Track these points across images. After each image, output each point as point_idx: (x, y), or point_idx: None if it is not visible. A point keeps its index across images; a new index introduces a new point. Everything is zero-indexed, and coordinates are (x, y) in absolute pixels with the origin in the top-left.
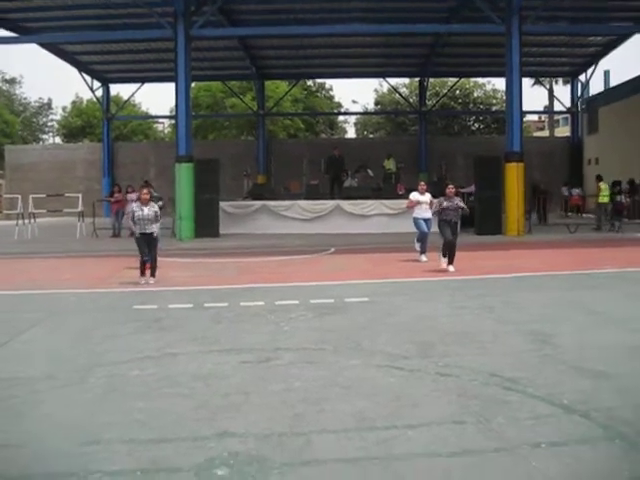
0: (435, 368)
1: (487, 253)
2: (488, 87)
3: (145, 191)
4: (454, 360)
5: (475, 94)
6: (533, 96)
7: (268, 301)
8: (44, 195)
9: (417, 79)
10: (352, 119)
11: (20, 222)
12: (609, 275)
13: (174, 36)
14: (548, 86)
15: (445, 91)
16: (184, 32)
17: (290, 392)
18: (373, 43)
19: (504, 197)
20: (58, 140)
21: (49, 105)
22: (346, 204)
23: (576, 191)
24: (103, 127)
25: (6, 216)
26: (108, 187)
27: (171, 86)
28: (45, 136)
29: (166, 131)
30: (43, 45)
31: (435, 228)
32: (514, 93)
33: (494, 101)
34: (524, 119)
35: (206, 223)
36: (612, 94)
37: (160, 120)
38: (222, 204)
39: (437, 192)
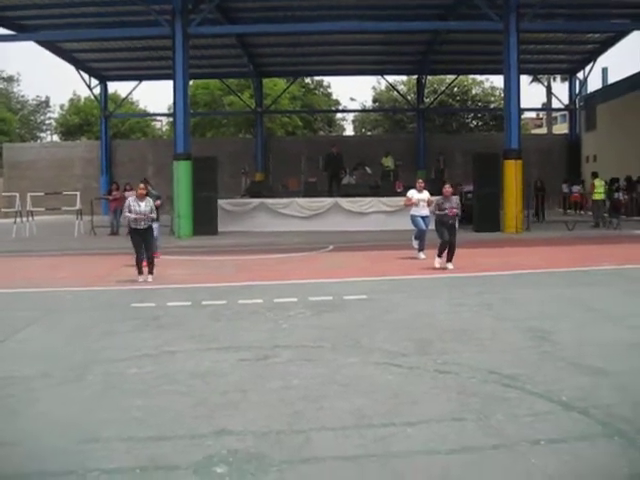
0: (434, 365)
1: (485, 250)
2: (486, 84)
3: (142, 186)
4: (453, 357)
5: (473, 91)
6: (531, 93)
7: (266, 299)
8: (42, 193)
9: (415, 76)
10: (350, 116)
11: (18, 220)
12: (607, 272)
13: (172, 34)
14: (546, 83)
15: (443, 88)
16: (182, 30)
17: (288, 390)
18: (371, 40)
19: (502, 194)
20: (56, 138)
21: (47, 103)
22: (344, 202)
23: (576, 188)
24: (101, 125)
25: (4, 214)
26: (106, 185)
27: (169, 84)
28: (43, 134)
29: (164, 129)
30: (41, 43)
31: (432, 226)
32: (512, 90)
33: (492, 98)
34: (522, 116)
35: (204, 221)
36: (610, 91)
37: (158, 118)
38: (220, 202)
39: (435, 189)
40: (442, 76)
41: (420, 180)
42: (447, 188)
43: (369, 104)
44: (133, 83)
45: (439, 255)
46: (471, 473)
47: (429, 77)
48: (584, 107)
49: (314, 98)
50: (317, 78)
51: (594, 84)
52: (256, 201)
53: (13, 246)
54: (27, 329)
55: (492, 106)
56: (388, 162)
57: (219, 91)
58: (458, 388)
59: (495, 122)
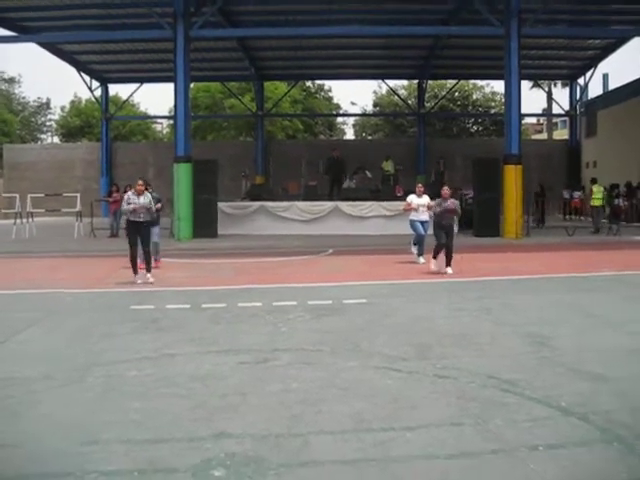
0: (433, 370)
1: (485, 255)
2: (487, 89)
3: (140, 182)
4: (452, 362)
5: (474, 96)
6: (532, 99)
7: (266, 302)
8: (42, 194)
9: (416, 81)
10: (351, 120)
11: (18, 221)
12: (607, 278)
13: (173, 36)
14: (547, 89)
15: (444, 93)
16: (183, 32)
17: (288, 393)
18: (372, 45)
19: (502, 199)
20: (56, 140)
21: (48, 104)
22: (344, 205)
23: (577, 194)
24: (102, 127)
25: (4, 215)
26: (106, 187)
27: (170, 86)
28: (43, 135)
29: (165, 131)
30: (42, 44)
31: (430, 230)
32: (513, 96)
33: (493, 103)
34: (522, 122)
35: (204, 224)
36: (611, 97)
37: (159, 120)
38: (220, 205)
39: (435, 193)
40: (443, 81)
41: (419, 185)
42: (445, 190)
43: (370, 108)
44: (134, 85)
45: (434, 257)
46: (470, 478)
47: (430, 82)
48: (585, 113)
49: (315, 102)
50: (318, 82)
51: (595, 90)
52: (256, 204)
53: (13, 247)
54: (27, 330)
55: (493, 111)
56: (388, 166)
57: (220, 94)
58: (457, 393)
59: (495, 127)
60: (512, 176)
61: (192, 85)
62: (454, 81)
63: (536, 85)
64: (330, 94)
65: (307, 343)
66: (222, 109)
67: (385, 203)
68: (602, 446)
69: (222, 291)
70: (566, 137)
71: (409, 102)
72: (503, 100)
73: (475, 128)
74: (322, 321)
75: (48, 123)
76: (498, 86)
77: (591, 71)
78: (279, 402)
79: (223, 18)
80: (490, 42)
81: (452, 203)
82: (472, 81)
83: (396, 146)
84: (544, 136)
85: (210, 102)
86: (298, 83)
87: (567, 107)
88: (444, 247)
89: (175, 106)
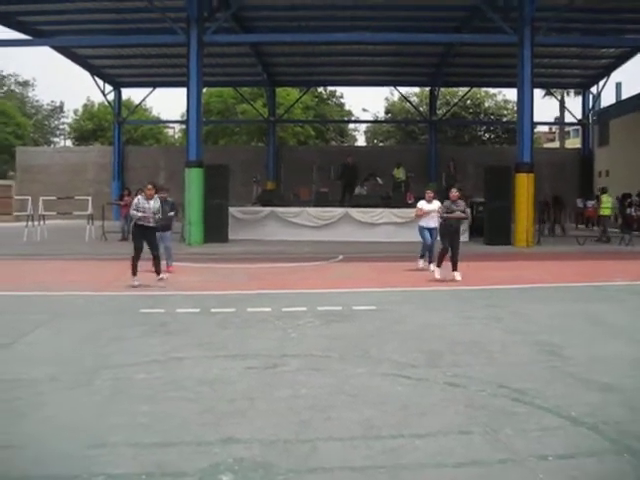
0: (443, 378)
1: (495, 264)
2: (499, 97)
3: (149, 186)
4: (462, 370)
5: (486, 104)
6: (544, 107)
7: (275, 307)
8: (54, 197)
9: (428, 88)
10: (362, 127)
11: (30, 224)
12: (619, 288)
13: (187, 42)
14: (559, 97)
15: (456, 100)
16: (197, 38)
17: (296, 399)
18: (384, 52)
19: (514, 207)
20: (69, 143)
21: (61, 108)
22: (355, 212)
23: (591, 203)
24: (114, 131)
25: (16, 217)
26: (118, 190)
27: (182, 91)
28: (56, 139)
29: (177, 136)
30: (56, 48)
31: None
32: (525, 104)
33: (505, 111)
34: (535, 130)
35: (215, 228)
36: (623, 106)
37: (171, 125)
38: (231, 209)
39: (446, 197)
40: (455, 88)
41: (429, 191)
42: (454, 192)
43: (381, 115)
44: (147, 90)
45: (438, 265)
46: None
47: (442, 89)
48: (597, 122)
49: (327, 108)
50: (330, 88)
51: (608, 99)
52: (267, 210)
53: (24, 249)
54: (36, 332)
55: (505, 119)
56: (399, 173)
57: (232, 99)
58: (467, 401)
59: (507, 135)
60: (524, 184)
61: (205, 90)
62: (466, 88)
63: (549, 93)
64: (342, 100)
65: (316, 349)
66: (234, 114)
67: (396, 210)
68: (612, 457)
69: (232, 296)
70: (578, 146)
71: (421, 109)
72: (515, 108)
73: (487, 136)
74: (332, 327)
75: (61, 126)
76: (510, 94)
77: (604, 80)
78: (288, 408)
79: (236, 24)
80: (503, 50)
81: (462, 205)
82: (484, 89)
83: (407, 153)
84: (556, 145)
85: (222, 107)
86: (310, 89)
87: (580, 116)
88: (447, 252)
89: (187, 111)
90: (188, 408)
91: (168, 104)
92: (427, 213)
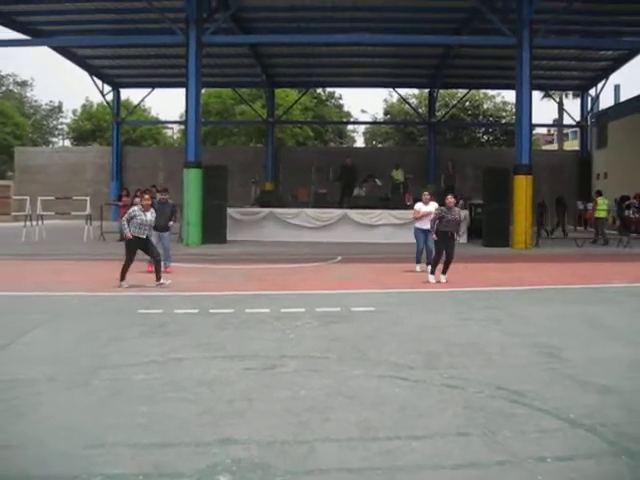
0: (440, 379)
1: (494, 265)
2: (498, 99)
3: (147, 197)
4: (460, 372)
5: (485, 106)
6: (543, 109)
7: (274, 308)
8: (53, 197)
9: (427, 90)
10: (361, 128)
11: (28, 224)
12: (617, 290)
13: (186, 42)
14: (558, 99)
15: (455, 102)
16: (196, 38)
17: (294, 400)
18: (383, 53)
19: (512, 209)
20: (68, 143)
21: (60, 108)
22: (354, 213)
23: (590, 205)
24: (113, 131)
25: (14, 218)
26: (116, 191)
27: (181, 92)
28: (55, 139)
29: (175, 136)
30: (55, 48)
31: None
32: (524, 106)
33: (504, 113)
34: (533, 132)
35: (213, 229)
36: (622, 109)
37: (169, 125)
38: (230, 210)
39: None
40: (454, 90)
41: (426, 192)
42: (450, 199)
43: (380, 116)
44: (146, 90)
45: (432, 272)
46: None
47: (441, 91)
48: (595, 124)
49: (325, 109)
50: (329, 89)
51: (606, 101)
52: (265, 211)
53: (22, 249)
54: (34, 332)
55: (503, 121)
56: (398, 175)
57: (231, 100)
58: (465, 403)
59: (506, 137)
60: (522, 186)
61: (203, 91)
62: (465, 90)
63: (547, 95)
64: (341, 102)
65: (315, 350)
66: (233, 115)
67: (394, 211)
68: (610, 459)
69: (230, 297)
70: (577, 148)
71: (420, 111)
72: (514, 110)
73: (485, 138)
74: (330, 328)
75: (60, 126)
76: (509, 96)
77: (602, 82)
78: (286, 409)
79: (235, 25)
80: (501, 52)
81: (457, 213)
82: (483, 91)
83: (406, 154)
84: (555, 147)
85: (221, 108)
86: (309, 90)
87: (578, 118)
88: (440, 257)
89: (186, 111)
90: (187, 409)
91: (167, 105)
92: (425, 215)
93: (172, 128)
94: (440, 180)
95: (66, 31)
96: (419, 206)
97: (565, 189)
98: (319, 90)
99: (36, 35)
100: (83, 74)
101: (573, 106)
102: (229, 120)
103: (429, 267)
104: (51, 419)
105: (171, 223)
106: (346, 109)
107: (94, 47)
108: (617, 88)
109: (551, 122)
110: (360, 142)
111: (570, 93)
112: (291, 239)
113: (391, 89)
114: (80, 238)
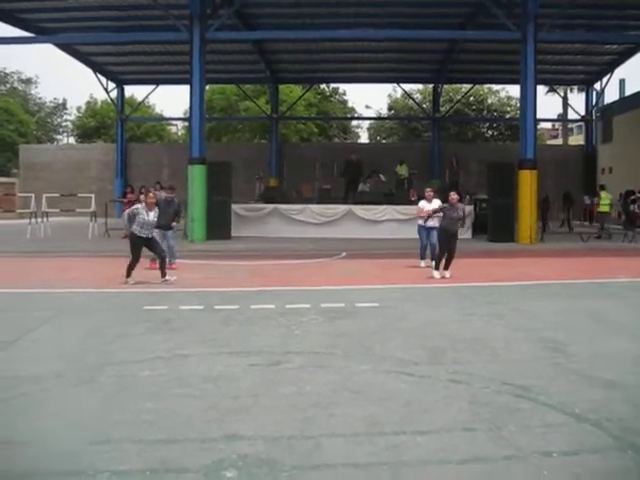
0: (446, 374)
1: (498, 260)
2: (502, 94)
3: (151, 195)
4: (465, 367)
5: (489, 101)
6: (547, 104)
7: (279, 304)
8: (57, 195)
9: (431, 85)
10: (365, 124)
11: (33, 221)
12: (622, 284)
13: (189, 39)
14: (563, 94)
15: (459, 97)
16: (200, 35)
17: (300, 396)
18: (387, 48)
19: (517, 204)
20: (72, 140)
21: (64, 105)
22: (358, 209)
23: (596, 200)
24: (117, 128)
25: (19, 215)
26: (121, 188)
27: (185, 88)
28: (59, 136)
29: (180, 133)
30: (59, 46)
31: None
32: (528, 100)
33: (508, 108)
34: (538, 126)
35: (218, 225)
36: (627, 103)
37: (174, 122)
38: (234, 207)
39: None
40: (458, 85)
41: (428, 189)
42: (453, 195)
43: (384, 112)
44: (150, 87)
45: (436, 267)
46: None
47: (445, 86)
48: (600, 118)
49: (330, 105)
50: (333, 85)
51: (611, 95)
52: (270, 207)
53: (28, 247)
54: (40, 329)
55: (508, 116)
56: (402, 170)
57: (235, 96)
58: (470, 398)
59: (510, 132)
60: (527, 181)
61: (207, 87)
62: (469, 85)
63: (552, 90)
64: (345, 97)
65: (320, 346)
66: (237, 111)
67: (399, 207)
68: (616, 454)
69: (235, 293)
70: (582, 142)
71: (424, 106)
72: (518, 105)
73: (490, 133)
74: (335, 324)
75: (64, 124)
76: (513, 91)
77: (607, 76)
78: (291, 404)
79: (239, 21)
80: (506, 47)
81: (460, 209)
82: (487, 85)
83: (410, 150)
84: (560, 141)
85: (225, 104)
86: (313, 86)
87: (583, 112)
88: (444, 255)
89: (190, 108)
90: (192, 405)
91: (171, 101)
92: (430, 212)
93: (176, 125)
94: (444, 175)
95: (70, 28)
96: (423, 204)
97: (570, 184)
98: (323, 86)
99: (40, 32)
100: (87, 71)
101: (578, 100)
102: (233, 116)
103: (433, 262)
104: (57, 415)
105: (174, 223)
106: (350, 105)
107: (98, 44)
108: (622, 82)
109: (556, 117)
110: (364, 138)
111: (575, 87)
112: (295, 235)
113: (395, 84)
114: (85, 235)
